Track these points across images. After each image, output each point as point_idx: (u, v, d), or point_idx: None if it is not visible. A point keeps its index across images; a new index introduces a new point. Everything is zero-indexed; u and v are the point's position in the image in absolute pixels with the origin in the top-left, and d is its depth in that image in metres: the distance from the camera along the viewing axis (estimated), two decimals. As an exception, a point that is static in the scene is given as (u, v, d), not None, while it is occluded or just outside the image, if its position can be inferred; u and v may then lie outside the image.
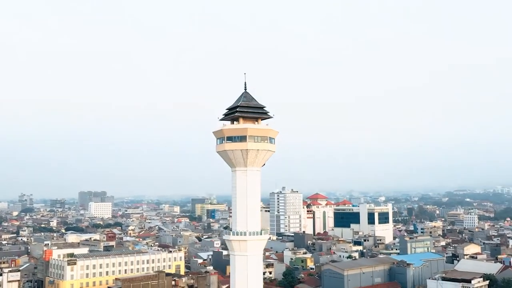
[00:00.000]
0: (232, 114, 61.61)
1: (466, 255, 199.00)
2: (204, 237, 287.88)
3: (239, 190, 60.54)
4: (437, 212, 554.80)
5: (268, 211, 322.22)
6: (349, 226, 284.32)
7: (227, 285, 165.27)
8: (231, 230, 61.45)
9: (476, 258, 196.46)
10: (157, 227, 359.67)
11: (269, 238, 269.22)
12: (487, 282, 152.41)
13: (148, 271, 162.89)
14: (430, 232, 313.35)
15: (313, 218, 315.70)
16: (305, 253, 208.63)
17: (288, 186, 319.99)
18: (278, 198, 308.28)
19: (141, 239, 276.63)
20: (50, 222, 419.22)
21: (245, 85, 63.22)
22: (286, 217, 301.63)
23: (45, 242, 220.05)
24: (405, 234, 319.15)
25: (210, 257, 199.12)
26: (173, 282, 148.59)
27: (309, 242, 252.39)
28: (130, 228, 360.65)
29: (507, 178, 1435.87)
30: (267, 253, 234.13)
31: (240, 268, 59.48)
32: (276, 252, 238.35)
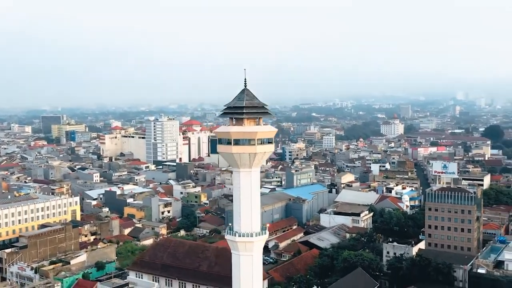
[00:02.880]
0: (235, 114, 59.67)
1: (343, 183, 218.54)
2: (78, 167, 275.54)
3: (244, 191, 60.14)
4: (292, 129, 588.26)
5: (143, 137, 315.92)
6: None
7: (129, 228, 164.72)
8: (232, 230, 61.48)
9: (352, 186, 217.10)
10: (18, 155, 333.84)
11: (148, 169, 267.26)
12: (371, 214, 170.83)
13: (44, 220, 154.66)
14: (297, 155, 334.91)
15: (189, 144, 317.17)
16: (194, 186, 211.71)
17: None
18: (154, 126, 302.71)
19: (8, 173, 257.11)
20: None
21: (245, 81, 61.24)
22: (163, 145, 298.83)
23: None
24: (275, 157, 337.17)
25: (101, 196, 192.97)
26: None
27: (191, 171, 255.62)
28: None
29: (342, 92, 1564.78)
30: (151, 185, 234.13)
31: (246, 267, 60.65)
32: (160, 183, 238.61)
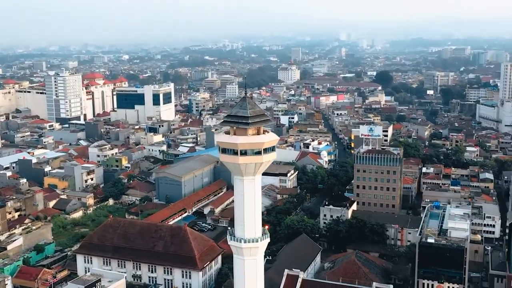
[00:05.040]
0: (240, 124, 59.01)
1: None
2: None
3: (248, 198, 60.22)
4: (189, 75, 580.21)
5: (42, 93, 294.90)
6: (133, 108, 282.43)
7: (54, 200, 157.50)
8: (234, 236, 62.13)
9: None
10: None
11: (52, 127, 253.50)
12: (296, 172, 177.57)
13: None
14: (203, 106, 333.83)
15: (92, 99, 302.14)
16: (111, 148, 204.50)
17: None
18: (56, 81, 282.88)
19: None
20: None
21: (245, 87, 60.55)
22: (67, 101, 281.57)
23: None
24: (181, 109, 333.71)
25: (14, 165, 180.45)
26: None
27: (101, 130, 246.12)
28: None
29: (231, 32, 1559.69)
30: (60, 146, 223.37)
31: (250, 271, 62.12)
32: (70, 144, 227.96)
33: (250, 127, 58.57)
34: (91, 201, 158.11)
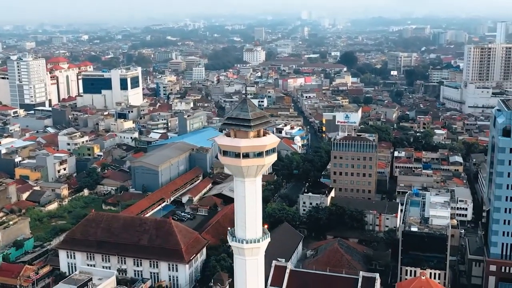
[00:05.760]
0: (242, 127, 58.96)
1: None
2: None
3: (249, 199, 60.33)
4: (153, 56, 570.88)
5: (4, 78, 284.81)
6: (100, 92, 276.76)
7: (27, 192, 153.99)
8: (236, 237, 62.56)
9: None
10: None
11: (17, 114, 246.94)
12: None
13: None
14: (171, 90, 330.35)
15: (57, 84, 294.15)
16: (81, 136, 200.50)
17: None
18: (19, 66, 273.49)
19: None
20: None
21: (246, 90, 60.43)
22: (31, 87, 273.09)
23: None
24: (149, 93, 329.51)
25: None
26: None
27: (69, 116, 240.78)
28: None
29: (191, 10, 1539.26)
30: (27, 134, 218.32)
31: (251, 270, 62.79)
32: (37, 132, 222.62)
33: (252, 129, 58.55)
34: (65, 192, 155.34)
